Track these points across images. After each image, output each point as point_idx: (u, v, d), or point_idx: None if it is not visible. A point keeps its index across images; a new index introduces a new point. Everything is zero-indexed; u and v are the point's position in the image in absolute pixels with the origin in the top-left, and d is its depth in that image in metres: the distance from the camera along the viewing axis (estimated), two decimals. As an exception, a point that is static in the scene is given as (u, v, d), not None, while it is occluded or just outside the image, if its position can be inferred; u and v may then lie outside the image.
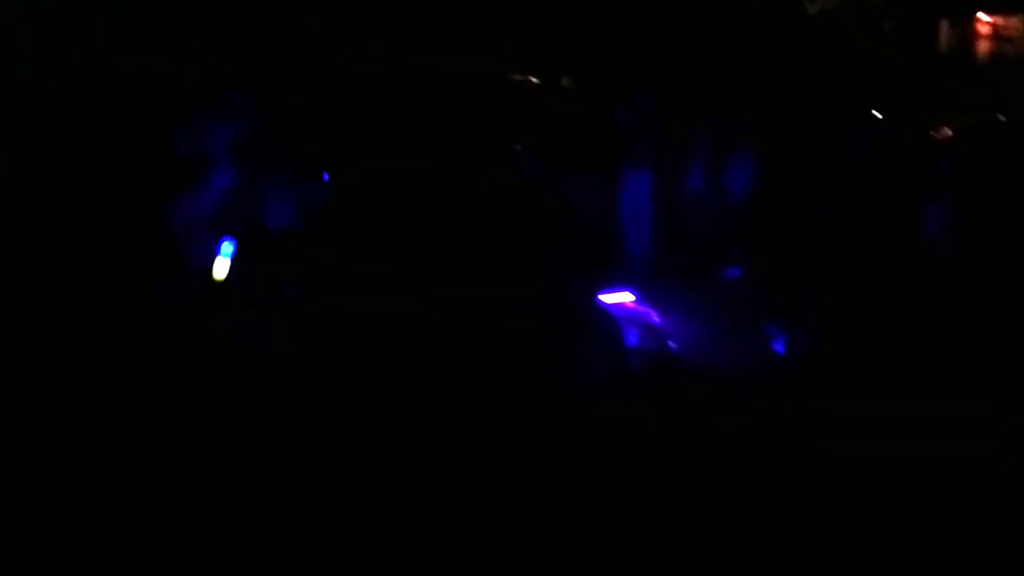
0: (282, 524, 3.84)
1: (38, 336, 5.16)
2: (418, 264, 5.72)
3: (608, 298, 6.07)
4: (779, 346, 6.33)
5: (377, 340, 5.09)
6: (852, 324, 6.28)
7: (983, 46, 13.92)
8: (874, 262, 7.02)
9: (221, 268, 6.16)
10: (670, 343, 6.11)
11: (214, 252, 6.29)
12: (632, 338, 5.99)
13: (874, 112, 10.94)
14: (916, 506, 4.20)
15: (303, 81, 8.09)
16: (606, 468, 4.35)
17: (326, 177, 6.74)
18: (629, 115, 8.31)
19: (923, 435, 4.85)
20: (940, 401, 5.23)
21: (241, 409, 4.72)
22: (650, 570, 3.72)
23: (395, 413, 4.57)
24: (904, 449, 4.65)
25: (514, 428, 4.47)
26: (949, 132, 10.80)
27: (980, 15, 13.67)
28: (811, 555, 3.91)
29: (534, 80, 10.89)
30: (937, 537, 4.04)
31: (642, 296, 6.52)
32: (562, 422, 4.52)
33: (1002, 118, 11.31)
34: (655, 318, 6.32)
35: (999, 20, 13.41)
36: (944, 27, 13.92)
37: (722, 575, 3.74)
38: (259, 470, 4.25)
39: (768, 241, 8.12)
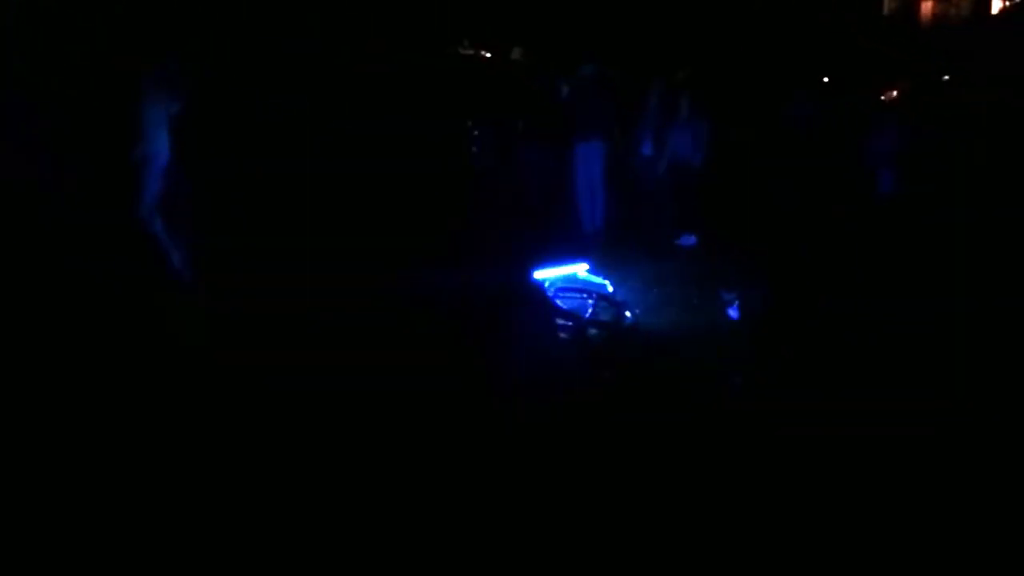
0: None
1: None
2: (365, 239, 5.69)
3: (556, 271, 6.07)
4: (733, 311, 6.37)
5: (323, 316, 5.06)
6: (802, 286, 6.35)
7: (926, 8, 14.13)
8: (821, 226, 7.11)
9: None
10: (626, 312, 6.12)
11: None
12: (587, 309, 6.00)
13: (823, 79, 11.05)
14: (871, 453, 4.29)
15: (253, 59, 8.03)
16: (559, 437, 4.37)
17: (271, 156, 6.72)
18: (581, 86, 8.30)
19: (873, 388, 4.97)
20: (889, 361, 5.35)
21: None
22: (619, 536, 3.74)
23: (340, 390, 4.53)
24: (854, 400, 4.76)
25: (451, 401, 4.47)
26: (895, 95, 10.97)
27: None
28: (771, 511, 3.95)
29: (485, 54, 10.85)
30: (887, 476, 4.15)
31: (597, 266, 6.53)
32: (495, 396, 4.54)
33: (945, 78, 11.52)
34: (610, 287, 6.33)
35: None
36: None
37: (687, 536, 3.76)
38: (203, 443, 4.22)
39: (720, 208, 8.18)
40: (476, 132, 8.06)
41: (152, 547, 3.43)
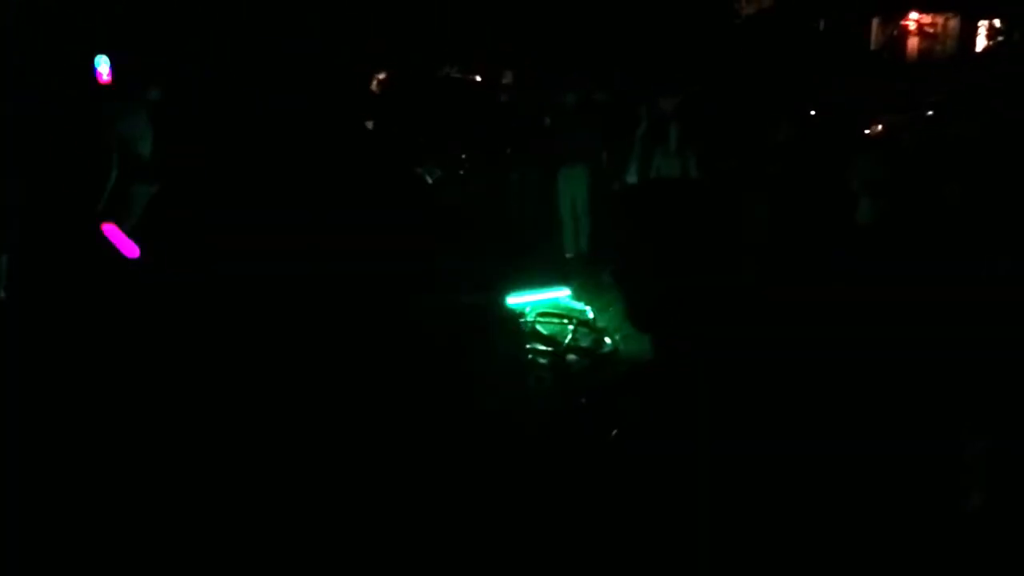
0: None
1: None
2: (344, 261, 5.66)
3: (538, 296, 6.06)
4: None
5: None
6: (785, 312, 6.35)
7: (912, 44, 14.32)
8: (805, 253, 7.11)
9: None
10: (606, 339, 6.12)
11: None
12: (567, 335, 6.00)
13: (810, 112, 11.10)
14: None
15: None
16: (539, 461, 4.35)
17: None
18: (566, 112, 8.34)
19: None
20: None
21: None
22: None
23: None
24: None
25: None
26: (880, 128, 11.05)
27: (910, 14, 14.03)
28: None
29: (476, 77, 10.90)
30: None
31: (579, 292, 6.53)
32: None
33: (929, 113, 11.62)
34: (591, 314, 6.33)
35: (927, 19, 13.81)
36: (875, 26, 14.26)
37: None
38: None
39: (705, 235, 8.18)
40: (464, 155, 8.08)
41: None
